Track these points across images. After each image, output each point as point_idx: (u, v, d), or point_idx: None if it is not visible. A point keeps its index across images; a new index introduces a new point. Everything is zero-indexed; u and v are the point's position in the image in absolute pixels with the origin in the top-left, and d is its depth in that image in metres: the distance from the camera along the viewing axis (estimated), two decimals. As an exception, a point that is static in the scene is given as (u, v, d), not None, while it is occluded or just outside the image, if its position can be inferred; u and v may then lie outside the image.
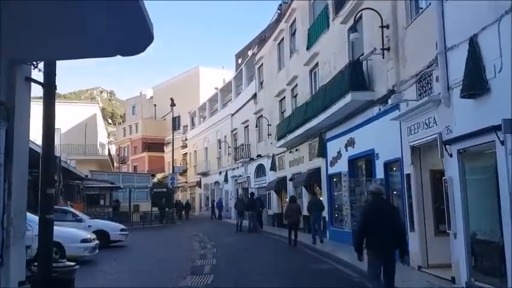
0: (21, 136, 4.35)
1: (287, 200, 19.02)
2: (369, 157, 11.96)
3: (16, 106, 4.30)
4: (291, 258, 11.72)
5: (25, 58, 4.45)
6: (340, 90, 12.33)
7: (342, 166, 13.82)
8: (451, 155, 7.60)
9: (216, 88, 41.10)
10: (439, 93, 7.92)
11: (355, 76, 11.56)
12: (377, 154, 11.26)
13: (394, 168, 10.61)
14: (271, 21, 25.42)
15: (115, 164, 59.65)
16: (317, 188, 17.00)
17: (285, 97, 20.94)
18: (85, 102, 39.68)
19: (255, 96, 26.34)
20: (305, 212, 15.65)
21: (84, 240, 10.58)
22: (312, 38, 16.28)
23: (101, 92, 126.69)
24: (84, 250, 10.51)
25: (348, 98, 11.71)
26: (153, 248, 14.33)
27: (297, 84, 19.03)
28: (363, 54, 12.11)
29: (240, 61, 43.24)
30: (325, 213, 15.33)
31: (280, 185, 20.99)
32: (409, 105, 9.25)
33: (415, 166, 9.24)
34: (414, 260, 9.15)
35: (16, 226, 4.09)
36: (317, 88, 16.49)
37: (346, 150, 13.51)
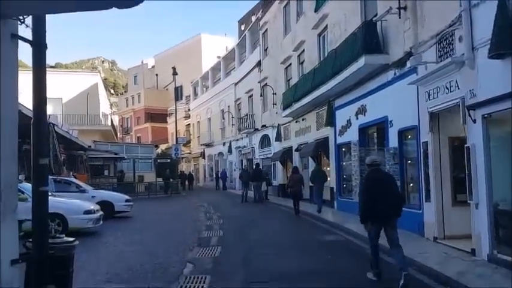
0: (8, 101, 3.85)
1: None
2: (382, 125, 11.43)
3: (1, 67, 3.77)
4: (300, 229, 11.43)
5: (10, 12, 3.88)
6: (352, 53, 11.66)
7: (352, 135, 13.32)
8: (474, 121, 7.07)
9: (219, 57, 40.08)
10: (463, 54, 7.30)
11: (368, 38, 10.87)
12: (391, 121, 10.73)
13: (409, 136, 10.10)
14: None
15: (118, 134, 59.38)
16: (324, 158, 16.58)
17: (291, 64, 20.20)
18: (86, 71, 38.91)
19: (259, 64, 25.54)
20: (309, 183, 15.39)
21: (88, 212, 10.29)
22: (321, -1, 15.41)
23: (103, 61, 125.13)
24: (88, 222, 10.23)
25: (361, 61, 11.06)
26: (158, 219, 14.11)
27: (304, 50, 18.26)
28: (376, 15, 11.40)
29: (243, 28, 42.04)
30: (332, 184, 14.98)
31: (285, 156, 20.59)
32: (428, 68, 8.65)
33: (433, 133, 8.73)
34: (430, 231, 8.82)
35: (6, 200, 3.67)
36: (326, 53, 15.78)
37: (357, 118, 12.98)
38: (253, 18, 32.57)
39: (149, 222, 13.26)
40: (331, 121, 14.89)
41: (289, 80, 20.79)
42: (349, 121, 13.59)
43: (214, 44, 50.09)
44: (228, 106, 33.43)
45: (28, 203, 8.72)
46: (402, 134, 10.29)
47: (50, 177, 13.67)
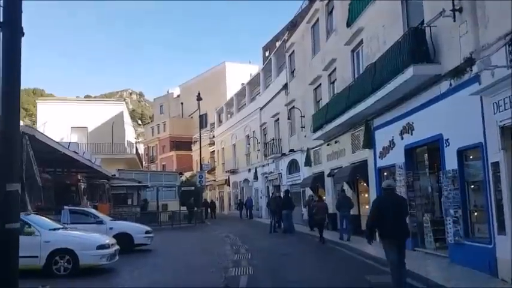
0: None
1: (324, 197, 17.46)
2: (434, 145, 9.94)
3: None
4: (342, 266, 9.85)
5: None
6: (396, 65, 10.36)
7: (396, 157, 11.82)
8: None
9: (243, 84, 39.55)
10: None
11: (416, 46, 9.56)
12: (446, 140, 9.24)
13: (472, 157, 8.58)
14: (303, 4, 23.49)
15: (144, 163, 59.34)
16: (362, 183, 15.05)
17: (320, 84, 19.02)
18: (112, 100, 38.86)
19: (285, 86, 24.51)
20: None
21: (101, 247, 9.12)
22: (355, 12, 14.31)
23: (131, 93, 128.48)
24: (101, 258, 9.05)
25: (409, 73, 9.71)
26: (181, 252, 12.81)
27: (335, 69, 17.09)
28: (423, 22, 10.14)
29: (267, 54, 41.54)
30: (374, 212, 13.38)
31: (317, 182, 19.10)
32: (496, 75, 7.24)
33: (506, 151, 7.22)
34: (505, 270, 7.16)
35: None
36: (361, 70, 14.56)
37: (402, 138, 11.51)
38: (278, 44, 31.93)
39: (171, 257, 11.97)
40: (369, 143, 13.46)
41: (318, 101, 19.57)
42: (392, 142, 12.13)
43: (238, 72, 49.89)
44: (253, 131, 32.40)
45: (36, 238, 7.60)
46: (462, 153, 8.77)
47: (66, 207, 12.75)
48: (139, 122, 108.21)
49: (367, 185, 14.04)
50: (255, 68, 49.65)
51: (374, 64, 12.10)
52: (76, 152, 17.42)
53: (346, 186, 15.73)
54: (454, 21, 8.61)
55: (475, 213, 8.66)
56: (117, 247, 9.82)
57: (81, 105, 36.11)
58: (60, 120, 33.20)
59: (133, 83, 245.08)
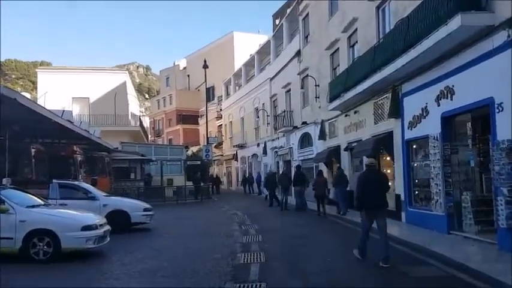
0: None
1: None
2: (482, 111, 8.33)
3: None
4: (372, 253, 8.40)
5: None
6: (437, 16, 8.63)
7: (430, 127, 10.22)
8: None
9: (251, 55, 37.55)
10: None
11: (465, -10, 7.82)
12: (499, 104, 7.61)
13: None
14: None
15: (150, 137, 58.23)
16: (385, 158, 13.52)
17: (338, 49, 17.22)
18: (114, 70, 37.10)
19: (298, 53, 22.65)
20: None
21: (87, 227, 7.78)
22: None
23: (137, 67, 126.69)
24: (88, 240, 7.72)
25: (455, 23, 8.00)
26: (183, 233, 11.49)
27: (356, 30, 15.27)
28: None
29: (278, 22, 39.32)
30: (400, 191, 11.91)
31: (332, 156, 17.56)
32: None
33: None
34: None
35: None
36: (387, 29, 12.80)
37: (438, 104, 9.88)
38: (289, 11, 29.79)
39: (171, 238, 10.65)
40: (397, 111, 11.83)
41: (335, 68, 17.81)
42: (425, 109, 10.49)
43: (247, 42, 47.65)
44: (263, 104, 30.72)
45: (11, 216, 6.21)
46: (523, 120, 7.18)
47: (55, 181, 11.43)
48: (146, 95, 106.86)
49: (392, 159, 12.50)
50: (264, 38, 47.45)
51: (407, 18, 10.33)
52: (70, 121, 16.02)
53: (366, 161, 14.19)
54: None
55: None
56: (107, 228, 8.48)
57: (82, 75, 34.45)
58: (61, 90, 31.73)
59: (140, 56, 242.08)
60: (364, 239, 7.43)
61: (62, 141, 19.26)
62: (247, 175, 34.36)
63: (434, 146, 10.02)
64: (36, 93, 58.43)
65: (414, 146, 11.43)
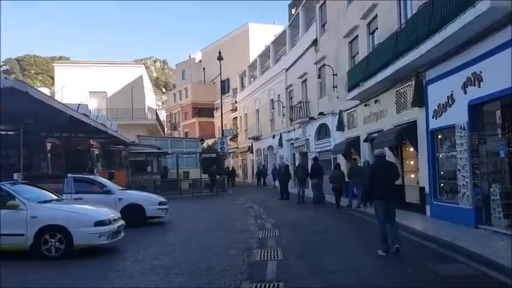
0: None
1: (359, 164, 15.53)
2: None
3: None
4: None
5: None
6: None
7: (456, 116, 9.67)
8: None
9: (266, 45, 36.98)
10: None
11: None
12: (534, 91, 7.06)
13: None
14: None
15: (166, 130, 58.44)
16: (408, 149, 12.99)
17: (357, 36, 16.61)
18: (130, 63, 37.10)
19: (315, 42, 22.06)
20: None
21: (100, 223, 7.57)
22: None
23: (155, 61, 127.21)
24: (101, 236, 7.52)
25: (484, 5, 7.45)
26: (198, 227, 11.24)
27: (376, 16, 14.66)
28: None
29: (294, 11, 38.62)
30: (424, 184, 11.38)
31: (351, 147, 17.04)
32: None
33: None
34: None
35: None
36: (409, 14, 12.19)
37: (465, 92, 9.31)
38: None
39: (186, 232, 10.40)
40: (420, 100, 11.27)
41: (354, 56, 17.22)
42: (450, 97, 9.93)
43: (262, 34, 47.02)
44: (278, 95, 30.24)
45: (21, 212, 6.03)
46: None
47: (70, 175, 11.33)
48: (163, 90, 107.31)
49: (416, 150, 11.95)
50: (279, 29, 46.77)
51: (431, 2, 9.74)
52: (86, 115, 15.93)
53: (387, 152, 13.68)
54: None
55: None
56: (121, 222, 8.28)
57: (99, 69, 34.53)
58: (78, 84, 31.90)
59: (157, 51, 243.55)
60: (384, 232, 7.31)
61: (78, 135, 19.26)
62: (260, 167, 34.24)
63: (461, 136, 9.48)
64: (54, 87, 59.17)
65: (439, 136, 10.88)
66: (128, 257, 7.47)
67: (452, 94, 9.87)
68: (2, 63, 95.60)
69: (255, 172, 37.92)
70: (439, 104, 10.43)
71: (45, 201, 7.84)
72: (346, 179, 15.55)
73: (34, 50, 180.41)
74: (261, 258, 7.13)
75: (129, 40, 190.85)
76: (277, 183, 24.84)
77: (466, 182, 9.30)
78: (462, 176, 9.46)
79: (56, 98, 21.48)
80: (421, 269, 6.25)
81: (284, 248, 7.85)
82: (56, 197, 8.49)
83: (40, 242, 7.22)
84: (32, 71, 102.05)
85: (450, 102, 9.97)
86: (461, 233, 8.67)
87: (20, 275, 6.26)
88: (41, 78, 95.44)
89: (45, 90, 31.00)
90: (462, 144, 9.43)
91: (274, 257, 7.18)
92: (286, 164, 22.91)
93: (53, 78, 65.27)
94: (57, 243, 7.26)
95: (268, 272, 6.22)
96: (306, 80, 24.33)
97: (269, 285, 5.54)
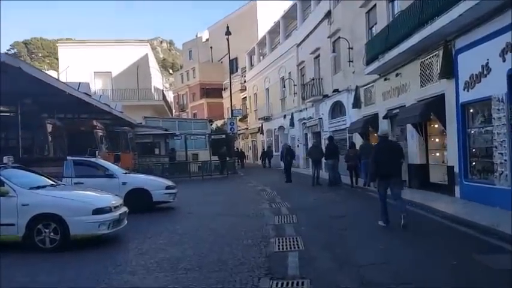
0: None
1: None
2: None
3: None
4: (430, 238, 7.13)
5: None
6: None
7: (493, 87, 8.66)
8: None
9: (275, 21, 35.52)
10: None
11: None
12: None
13: None
14: None
15: (174, 112, 57.62)
16: (433, 125, 12.01)
17: (375, 5, 15.42)
18: (135, 41, 35.98)
19: (328, 14, 20.80)
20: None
21: (99, 211, 6.82)
22: None
23: (161, 42, 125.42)
24: (101, 225, 6.78)
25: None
26: (209, 212, 10.49)
27: (396, -19, 13.47)
28: None
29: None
30: (453, 162, 10.44)
31: (368, 125, 16.05)
32: None
33: None
34: None
35: None
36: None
37: (504, 59, 8.27)
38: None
39: (196, 219, 9.65)
40: (450, 71, 10.22)
41: (372, 27, 16.07)
42: (485, 66, 8.89)
43: (270, 10, 45.31)
44: (289, 72, 29.09)
45: (11, 199, 5.33)
46: None
47: (69, 158, 10.60)
48: (171, 71, 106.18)
49: (444, 126, 10.95)
50: (288, 5, 45.13)
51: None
52: (88, 94, 15.12)
53: (410, 129, 12.71)
54: None
55: None
56: (124, 210, 7.53)
57: (103, 48, 33.51)
58: (82, 65, 31.02)
59: (163, 31, 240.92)
60: (384, 207, 7.75)
61: (81, 116, 18.54)
62: (265, 148, 33.20)
63: (498, 109, 8.48)
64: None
65: (471, 110, 9.87)
66: (131, 248, 6.73)
67: (487, 63, 8.82)
68: (9, 47, 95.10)
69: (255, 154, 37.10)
70: (472, 74, 9.39)
71: (39, 187, 7.09)
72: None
73: (41, 33, 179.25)
74: (279, 249, 6.34)
75: (135, 21, 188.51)
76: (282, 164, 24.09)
77: (505, 160, 8.36)
78: (500, 153, 8.50)
79: (60, 79, 20.70)
80: (468, 262, 5.38)
81: (304, 237, 7.05)
82: (52, 182, 7.75)
83: (33, 232, 6.51)
84: (40, 54, 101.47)
85: (485, 72, 8.93)
86: (500, 216, 7.76)
87: (7, 270, 5.54)
88: (48, 61, 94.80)
89: (53, 73, 30.25)
90: (500, 118, 8.44)
91: (294, 248, 6.38)
92: (288, 145, 21.99)
93: (58, 59, 64.57)
94: (51, 234, 6.54)
95: (290, 266, 5.44)
96: (318, 55, 23.16)
97: (292, 283, 4.75)
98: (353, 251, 6.22)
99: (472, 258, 5.51)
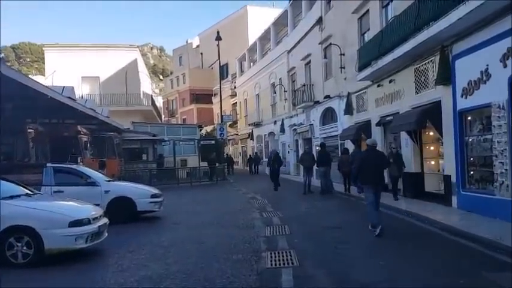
0: None
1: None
2: None
3: None
4: (434, 251, 6.75)
5: None
6: None
7: (494, 93, 8.37)
8: None
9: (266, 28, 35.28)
10: None
11: None
12: None
13: None
14: None
15: (163, 117, 56.94)
16: (428, 133, 11.71)
17: (368, 11, 15.19)
18: (124, 46, 35.40)
19: (320, 20, 20.57)
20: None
21: (76, 223, 6.30)
22: None
23: (151, 48, 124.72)
24: (77, 239, 6.25)
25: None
26: (196, 222, 9.98)
27: (391, -14, 13.23)
28: None
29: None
30: (450, 171, 10.13)
31: (361, 132, 15.74)
32: None
33: None
34: None
35: None
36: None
37: (505, 65, 7.99)
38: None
39: (183, 229, 9.15)
40: (447, 77, 9.94)
41: (364, 33, 15.83)
42: (485, 72, 8.61)
43: (261, 17, 45.20)
44: (280, 78, 28.81)
45: None
46: None
47: (49, 165, 10.02)
48: (161, 77, 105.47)
49: (440, 134, 10.65)
50: (279, 12, 45.02)
51: (465, -41, 8.34)
52: (72, 99, 14.54)
53: (405, 137, 12.41)
54: None
55: None
56: (104, 221, 7.01)
57: (91, 53, 32.87)
58: (70, 69, 30.32)
59: (153, 37, 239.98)
60: (374, 214, 7.98)
61: (66, 121, 17.89)
62: (252, 155, 32.61)
63: (499, 117, 8.19)
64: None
65: (469, 118, 9.58)
66: (110, 264, 6.19)
67: (487, 69, 8.54)
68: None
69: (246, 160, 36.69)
70: (470, 80, 9.11)
71: (11, 197, 6.54)
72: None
73: (29, 38, 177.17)
74: (272, 265, 5.88)
75: (125, 27, 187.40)
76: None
77: (505, 170, 8.05)
78: (500, 162, 8.19)
79: (46, 84, 20.05)
80: (478, 280, 4.99)
81: (298, 250, 6.60)
82: (28, 191, 7.20)
83: (4, 246, 5.95)
84: (28, 59, 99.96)
85: (485, 78, 8.65)
86: (502, 229, 7.42)
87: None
88: (36, 66, 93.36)
89: (40, 78, 29.52)
90: (500, 125, 8.14)
91: (288, 263, 5.93)
92: (276, 151, 21.61)
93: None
94: (24, 248, 6.00)
95: (284, 284, 4.99)
96: (309, 61, 22.90)
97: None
98: (351, 267, 5.78)
99: (481, 276, 5.12)
